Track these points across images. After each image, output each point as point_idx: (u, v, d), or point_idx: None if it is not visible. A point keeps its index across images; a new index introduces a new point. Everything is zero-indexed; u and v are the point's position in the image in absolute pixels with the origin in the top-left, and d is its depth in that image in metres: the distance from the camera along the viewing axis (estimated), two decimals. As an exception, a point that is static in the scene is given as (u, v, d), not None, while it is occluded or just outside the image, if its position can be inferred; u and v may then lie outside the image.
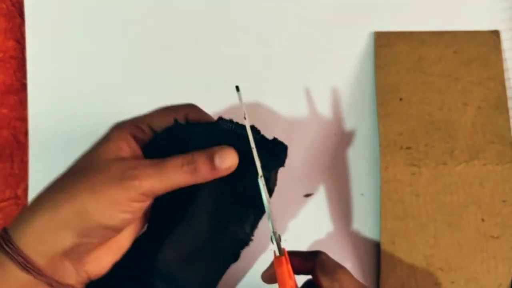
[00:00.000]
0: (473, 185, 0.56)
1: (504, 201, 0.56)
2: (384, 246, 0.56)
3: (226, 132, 0.47)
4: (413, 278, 0.56)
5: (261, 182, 0.45)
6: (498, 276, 0.56)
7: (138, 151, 0.44)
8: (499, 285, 0.56)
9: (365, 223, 0.59)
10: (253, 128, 0.47)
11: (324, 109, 0.60)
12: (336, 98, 0.60)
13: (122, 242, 0.45)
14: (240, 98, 0.48)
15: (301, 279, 0.47)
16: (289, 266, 0.44)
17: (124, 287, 0.46)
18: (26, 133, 0.60)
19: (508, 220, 0.56)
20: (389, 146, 0.57)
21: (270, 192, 0.47)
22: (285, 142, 0.59)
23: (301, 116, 0.60)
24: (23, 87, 0.61)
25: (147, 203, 0.42)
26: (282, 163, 0.48)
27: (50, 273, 0.40)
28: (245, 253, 0.50)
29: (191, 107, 0.47)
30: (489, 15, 0.60)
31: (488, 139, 0.57)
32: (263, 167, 0.45)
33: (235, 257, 0.49)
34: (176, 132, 0.46)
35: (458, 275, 0.56)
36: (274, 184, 0.49)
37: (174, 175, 0.42)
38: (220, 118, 0.54)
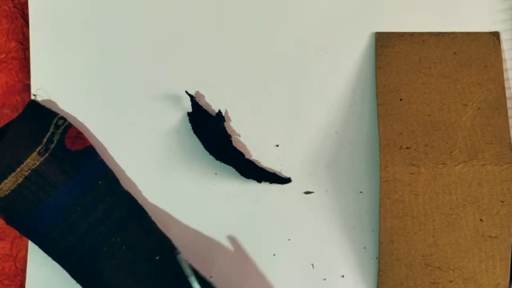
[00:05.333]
0: (472, 185, 0.56)
1: (502, 201, 0.56)
2: (383, 245, 0.57)
3: None
4: (412, 277, 0.56)
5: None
6: (496, 276, 0.56)
7: None
8: (497, 284, 0.56)
9: (363, 222, 0.60)
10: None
11: (325, 107, 0.60)
12: (337, 97, 0.60)
13: None
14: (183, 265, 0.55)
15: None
16: None
17: None
18: (28, 131, 0.60)
19: (506, 220, 0.56)
20: (388, 146, 0.57)
21: None
22: (286, 140, 0.60)
23: (301, 114, 0.60)
24: (25, 87, 0.61)
25: None
26: None
27: None
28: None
29: None
30: (488, 16, 0.61)
31: (487, 139, 0.57)
32: None
33: None
34: None
35: (456, 274, 0.56)
36: None
37: None
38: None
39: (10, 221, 0.56)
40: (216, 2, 0.61)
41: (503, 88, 0.59)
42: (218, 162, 0.59)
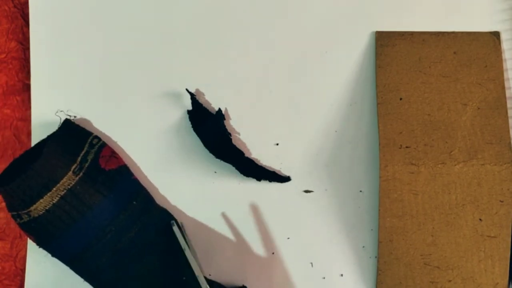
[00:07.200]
0: (471, 185, 0.56)
1: (501, 201, 0.56)
2: (382, 244, 0.57)
3: None
4: (411, 276, 0.57)
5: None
6: (495, 276, 0.56)
7: None
8: (495, 284, 0.56)
9: (363, 221, 0.60)
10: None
11: (325, 106, 0.60)
12: (337, 96, 0.61)
13: None
14: (178, 234, 0.55)
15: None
16: None
17: None
18: (28, 134, 0.60)
19: (505, 220, 0.56)
20: (388, 145, 0.57)
21: None
22: (286, 139, 0.60)
23: (301, 113, 0.60)
24: (25, 87, 0.61)
25: None
26: None
27: None
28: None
29: None
30: (489, 16, 0.61)
31: (486, 139, 0.57)
32: None
33: None
34: None
35: (455, 274, 0.56)
36: None
37: None
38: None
39: (41, 243, 0.55)
40: (217, 1, 0.61)
41: (503, 88, 0.59)
42: (218, 160, 0.59)
